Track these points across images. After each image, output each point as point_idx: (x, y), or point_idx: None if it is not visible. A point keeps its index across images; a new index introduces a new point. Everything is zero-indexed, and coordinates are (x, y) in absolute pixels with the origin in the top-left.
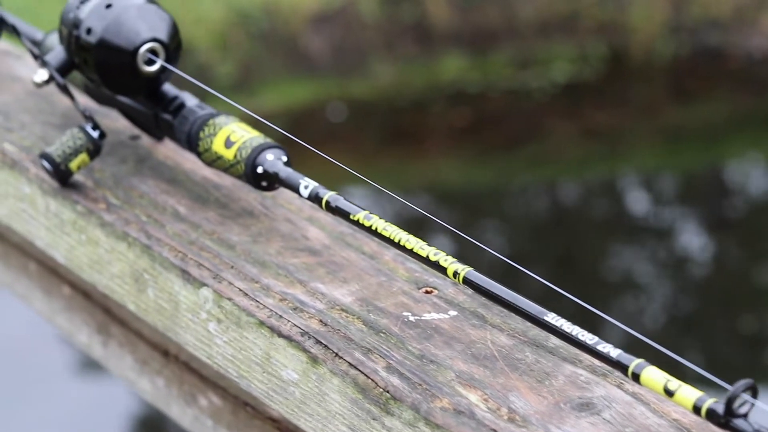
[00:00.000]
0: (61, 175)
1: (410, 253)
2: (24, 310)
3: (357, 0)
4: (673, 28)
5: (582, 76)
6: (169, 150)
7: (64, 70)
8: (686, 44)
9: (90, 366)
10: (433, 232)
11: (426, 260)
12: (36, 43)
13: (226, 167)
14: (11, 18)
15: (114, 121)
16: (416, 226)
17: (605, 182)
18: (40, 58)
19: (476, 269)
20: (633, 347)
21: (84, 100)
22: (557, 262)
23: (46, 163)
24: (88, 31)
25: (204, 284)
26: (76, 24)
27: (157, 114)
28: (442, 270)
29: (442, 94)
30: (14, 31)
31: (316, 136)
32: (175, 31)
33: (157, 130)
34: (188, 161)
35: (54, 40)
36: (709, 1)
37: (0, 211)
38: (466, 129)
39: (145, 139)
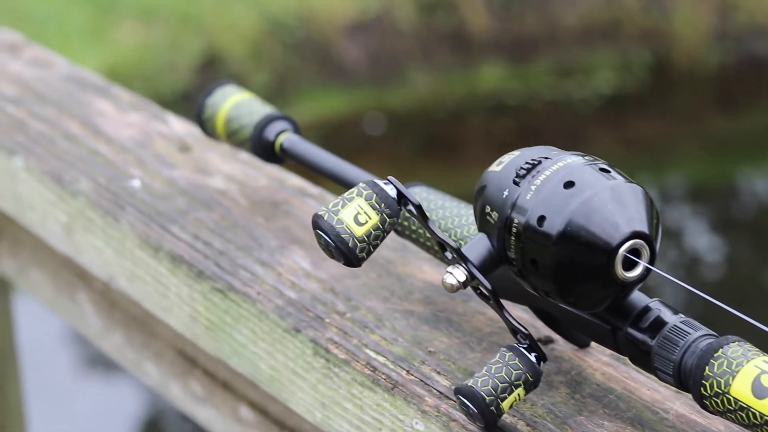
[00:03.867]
0: (490, 419)
1: None
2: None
3: (393, 7)
4: (719, 36)
5: (625, 85)
6: (602, 364)
7: (488, 268)
8: (732, 52)
9: (94, 366)
10: None
11: None
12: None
13: (757, 424)
14: (415, 197)
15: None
16: None
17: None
18: (458, 253)
19: None
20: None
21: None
22: None
23: (466, 401)
24: (540, 220)
25: None
26: (518, 208)
27: (618, 329)
28: None
29: (481, 104)
30: (419, 215)
31: (353, 146)
32: (656, 217)
33: (607, 343)
34: (642, 385)
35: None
36: (756, 8)
37: None
38: (507, 140)
39: (562, 344)
